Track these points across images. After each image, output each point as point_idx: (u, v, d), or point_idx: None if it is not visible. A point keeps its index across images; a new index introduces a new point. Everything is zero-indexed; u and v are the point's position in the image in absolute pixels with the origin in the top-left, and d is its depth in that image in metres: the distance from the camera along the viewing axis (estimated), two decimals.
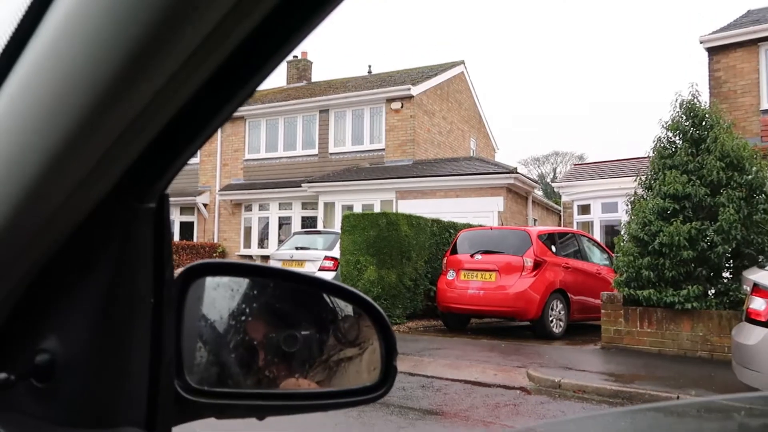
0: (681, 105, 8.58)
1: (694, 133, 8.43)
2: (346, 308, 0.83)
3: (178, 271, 0.70)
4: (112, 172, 0.52)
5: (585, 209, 15.47)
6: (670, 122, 8.60)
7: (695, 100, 8.57)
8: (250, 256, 18.33)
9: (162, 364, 0.62)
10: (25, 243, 0.53)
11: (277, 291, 0.83)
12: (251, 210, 18.86)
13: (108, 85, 0.43)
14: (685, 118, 8.53)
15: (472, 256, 9.37)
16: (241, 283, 0.80)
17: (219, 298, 0.79)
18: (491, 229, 10.55)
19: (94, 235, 0.57)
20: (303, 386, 0.77)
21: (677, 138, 8.56)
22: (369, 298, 0.81)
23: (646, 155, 9.10)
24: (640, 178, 8.79)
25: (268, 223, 18.51)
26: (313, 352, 0.78)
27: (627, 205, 9.09)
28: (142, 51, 0.42)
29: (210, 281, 0.76)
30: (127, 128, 0.47)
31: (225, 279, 0.79)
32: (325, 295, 0.82)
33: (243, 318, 0.79)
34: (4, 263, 0.54)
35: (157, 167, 0.57)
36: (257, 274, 0.81)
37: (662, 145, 8.65)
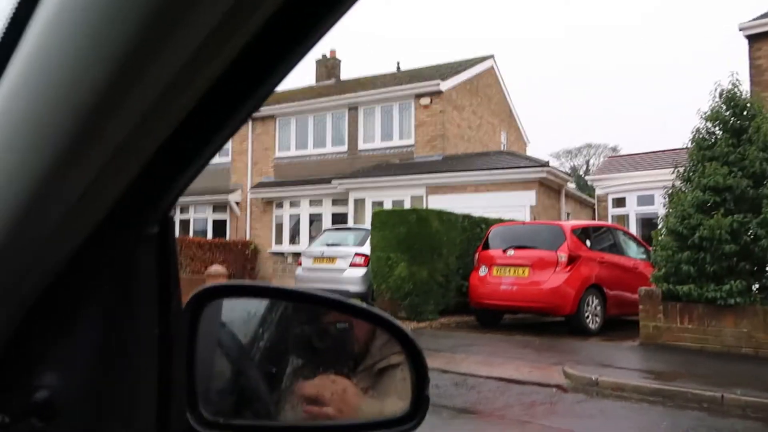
0: (721, 95, 8.31)
1: (735, 123, 8.16)
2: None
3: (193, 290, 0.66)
4: (107, 195, 0.48)
5: (620, 202, 15.14)
6: (709, 113, 8.33)
7: (736, 90, 8.28)
8: (282, 253, 18.49)
9: (172, 397, 0.58)
10: (17, 273, 0.49)
11: (297, 313, 0.77)
12: (282, 207, 19.01)
13: (97, 95, 0.39)
14: (725, 108, 8.26)
15: (504, 251, 9.26)
16: (257, 306, 0.76)
17: (234, 321, 0.74)
18: (524, 223, 10.40)
19: (93, 264, 0.53)
20: (328, 417, 0.72)
21: (717, 129, 8.30)
22: (398, 322, 0.75)
23: (684, 147, 8.84)
24: (679, 171, 8.55)
25: (299, 220, 18.62)
26: (345, 377, 0.73)
27: (664, 198, 8.85)
28: (134, 56, 0.38)
29: (224, 304, 0.72)
30: (121, 146, 0.43)
31: (240, 301, 0.75)
32: (349, 318, 0.76)
33: (260, 343, 0.75)
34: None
35: (158, 189, 0.53)
36: (273, 295, 0.77)
37: (701, 136, 8.39)
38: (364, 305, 0.75)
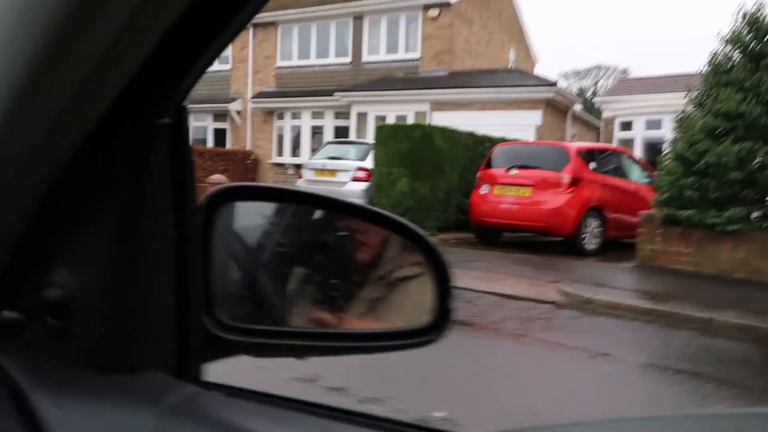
0: (744, 17, 7.96)
1: (755, 47, 7.86)
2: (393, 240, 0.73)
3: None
4: (116, 78, 0.44)
5: (627, 126, 14.93)
6: (729, 35, 8.01)
7: (759, 12, 7.92)
8: (283, 164, 18.43)
9: (189, 299, 0.55)
10: (24, 159, 0.45)
11: (316, 218, 0.73)
12: (284, 118, 18.74)
13: None
14: (746, 31, 7.93)
15: (507, 170, 9.20)
16: (275, 209, 0.72)
17: (250, 225, 0.70)
18: (528, 143, 10.28)
19: (104, 156, 0.49)
20: (348, 325, 0.70)
21: (736, 52, 8.01)
22: (422, 231, 0.70)
23: (698, 72, 8.58)
24: (691, 95, 8.35)
25: (300, 132, 18.42)
26: (356, 286, 0.70)
27: (674, 123, 8.70)
28: None
29: (240, 207, 0.68)
30: (127, 22, 0.39)
31: (256, 204, 0.71)
32: (369, 225, 0.72)
33: (278, 248, 0.72)
34: (2, 182, 0.46)
35: (171, 76, 0.49)
36: (292, 199, 0.72)
37: (718, 60, 8.12)
38: (387, 212, 0.71)
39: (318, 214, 0.75)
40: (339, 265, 0.73)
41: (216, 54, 0.49)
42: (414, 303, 0.73)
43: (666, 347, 4.62)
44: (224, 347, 0.62)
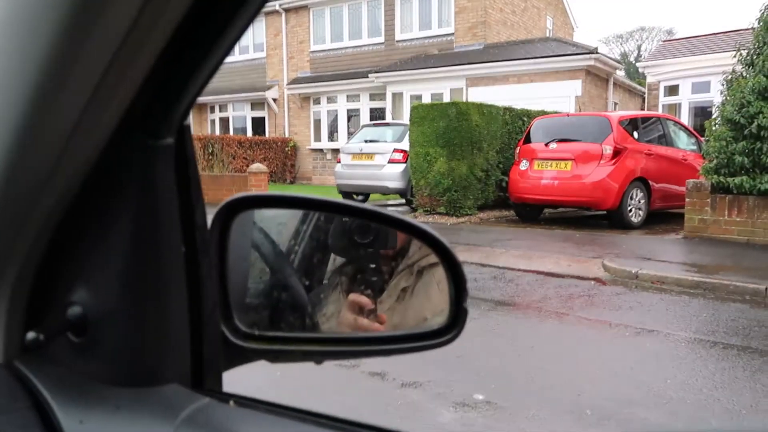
0: None
1: None
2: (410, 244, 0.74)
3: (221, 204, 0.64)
4: (115, 101, 0.44)
5: (672, 90, 14.34)
6: None
7: None
8: (321, 150, 18.54)
9: (203, 310, 0.57)
10: (35, 188, 0.47)
11: (330, 224, 0.75)
12: (320, 103, 18.80)
13: None
14: None
15: (546, 144, 9.00)
16: (290, 216, 0.73)
17: (266, 233, 0.72)
18: (567, 115, 10.00)
19: (109, 180, 0.51)
20: (363, 329, 0.71)
21: None
22: (434, 231, 0.71)
23: (749, 27, 8.13)
24: (741, 54, 7.93)
25: (336, 116, 18.46)
26: (372, 290, 0.71)
27: (722, 85, 8.29)
28: None
29: (256, 215, 0.69)
30: (121, 44, 0.39)
31: (271, 212, 0.72)
32: (384, 228, 0.73)
33: (293, 256, 0.73)
34: (18, 213, 0.48)
35: (170, 95, 0.49)
36: (305, 206, 0.74)
37: None
38: (398, 215, 0.72)
39: (332, 219, 0.76)
40: (360, 265, 0.74)
41: (213, 70, 0.50)
42: (432, 303, 0.74)
43: (715, 321, 4.47)
44: (242, 354, 0.65)
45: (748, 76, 7.65)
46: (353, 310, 0.71)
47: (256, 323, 0.67)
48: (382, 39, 18.16)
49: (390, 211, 0.74)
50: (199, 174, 0.58)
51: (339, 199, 0.73)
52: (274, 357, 0.68)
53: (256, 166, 11.81)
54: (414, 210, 10.40)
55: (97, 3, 0.37)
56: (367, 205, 0.71)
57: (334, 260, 0.77)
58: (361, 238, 0.73)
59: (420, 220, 9.68)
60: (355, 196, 11.97)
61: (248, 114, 20.32)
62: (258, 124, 20.27)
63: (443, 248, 0.71)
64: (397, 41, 17.91)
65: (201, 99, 20.98)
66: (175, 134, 0.54)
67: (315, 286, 0.74)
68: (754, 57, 7.69)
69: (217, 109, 21.07)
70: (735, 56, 8.06)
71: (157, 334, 0.55)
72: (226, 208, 0.66)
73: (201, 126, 21.16)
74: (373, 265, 0.74)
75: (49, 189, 0.48)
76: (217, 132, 19.97)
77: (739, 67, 7.98)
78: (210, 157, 15.82)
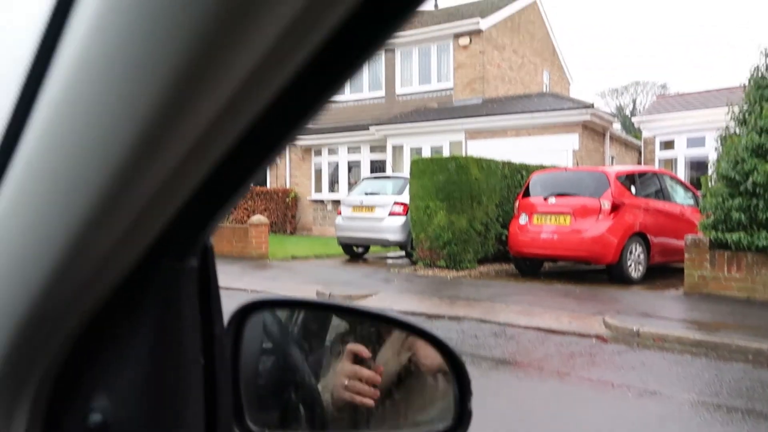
0: None
1: None
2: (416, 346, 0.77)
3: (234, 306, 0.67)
4: (148, 230, 0.47)
5: (668, 145, 14.58)
6: None
7: None
8: (322, 201, 18.68)
9: (219, 416, 0.59)
10: (65, 302, 0.50)
11: (345, 324, 0.78)
12: (321, 154, 19.07)
13: (142, 133, 0.38)
14: None
15: (545, 199, 9.10)
16: (301, 318, 0.77)
17: (277, 334, 0.75)
18: (565, 170, 10.15)
19: (133, 298, 0.54)
20: (361, 377, 0.73)
21: None
22: (439, 335, 0.74)
23: (740, 86, 8.36)
24: (733, 112, 8.12)
25: (337, 167, 18.69)
26: (379, 391, 0.74)
27: (717, 142, 8.46)
28: (184, 90, 0.36)
29: (268, 317, 0.73)
30: (164, 183, 0.42)
31: (283, 314, 0.76)
32: (391, 330, 0.76)
33: (304, 356, 0.76)
34: (45, 328, 0.51)
35: (198, 220, 0.52)
36: (316, 308, 0.77)
37: (760, 74, 7.90)
38: (404, 318, 0.75)
39: (341, 321, 0.79)
40: (361, 333, 0.77)
41: (248, 188, 0.52)
42: (437, 404, 0.75)
43: (718, 382, 4.42)
44: None
45: (741, 133, 7.81)
46: (351, 359, 0.72)
47: (267, 423, 0.68)
48: (382, 93, 18.59)
49: (397, 314, 0.76)
50: (219, 290, 0.61)
51: (346, 303, 0.76)
52: None
53: (257, 218, 11.88)
54: (414, 263, 10.40)
55: (146, 150, 0.39)
56: (373, 309, 0.74)
57: (334, 334, 0.79)
58: (364, 322, 0.76)
59: (420, 273, 9.55)
60: (355, 248, 11.99)
61: None
62: (260, 175, 20.49)
63: (447, 350, 0.74)
64: (398, 95, 18.33)
65: None
66: (200, 255, 0.56)
67: (321, 367, 0.76)
68: (747, 115, 7.88)
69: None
70: (728, 114, 8.25)
71: None
72: (240, 312, 0.69)
73: None
74: (372, 329, 0.76)
75: (73, 311, 0.51)
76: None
77: (732, 125, 8.16)
78: None
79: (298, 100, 0.43)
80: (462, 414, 0.72)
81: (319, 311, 0.80)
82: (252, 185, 0.55)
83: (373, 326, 0.77)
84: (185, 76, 0.35)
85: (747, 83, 8.08)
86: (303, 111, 0.45)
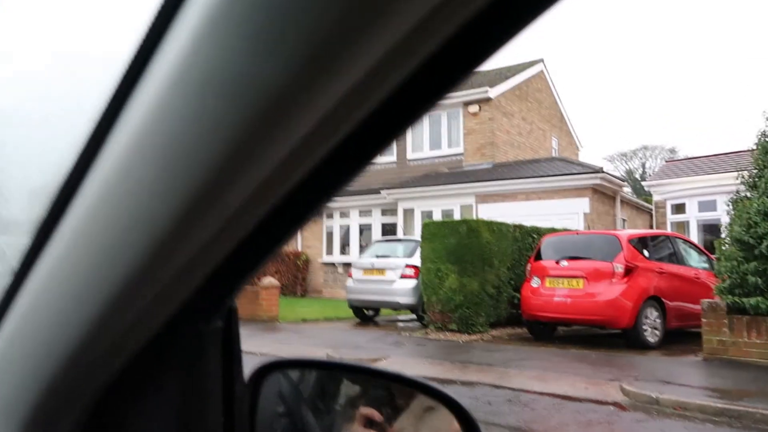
0: None
1: None
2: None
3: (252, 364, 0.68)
4: (178, 295, 0.49)
5: (679, 208, 14.57)
6: None
7: None
8: (333, 264, 18.67)
9: None
10: (99, 359, 0.51)
11: (357, 387, 0.78)
12: (332, 218, 19.21)
13: (187, 205, 0.39)
14: None
15: (557, 262, 9.04)
16: (318, 379, 0.77)
17: (291, 398, 0.76)
18: (577, 233, 10.14)
19: (161, 358, 0.55)
20: None
21: None
22: (454, 396, 0.74)
23: (748, 149, 8.44)
24: (743, 176, 8.16)
25: (348, 230, 18.78)
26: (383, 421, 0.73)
27: (728, 205, 8.46)
28: (235, 167, 0.37)
29: (282, 380, 0.73)
30: (200, 250, 0.44)
31: (301, 374, 0.76)
32: (407, 391, 0.76)
33: (321, 416, 0.76)
34: (73, 388, 0.52)
35: (226, 284, 0.53)
36: (332, 368, 0.78)
37: (766, 139, 7.99)
38: (419, 379, 0.74)
39: (353, 384, 0.79)
40: (374, 395, 0.76)
41: (270, 259, 0.53)
42: None
43: None
44: None
45: (752, 197, 7.82)
46: (363, 423, 0.71)
47: None
48: (394, 158, 18.91)
49: (413, 376, 0.76)
50: (241, 351, 0.62)
51: (362, 363, 0.75)
52: None
53: (268, 281, 11.87)
54: (425, 326, 10.26)
55: (188, 220, 0.40)
56: (390, 370, 0.74)
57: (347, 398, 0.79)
58: (378, 382, 0.76)
59: (432, 337, 9.40)
60: (366, 311, 11.88)
61: None
62: (290, 241, 20.58)
63: (463, 413, 0.72)
64: (409, 160, 18.63)
65: None
66: (225, 317, 0.58)
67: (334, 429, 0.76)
68: (757, 180, 7.91)
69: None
70: (738, 178, 8.29)
71: None
72: (258, 373, 0.69)
73: None
74: (384, 392, 0.76)
75: (102, 371, 0.52)
76: None
77: (742, 189, 8.18)
78: None
79: (333, 168, 0.44)
80: None
81: (335, 371, 0.80)
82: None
83: (386, 388, 0.77)
84: (250, 132, 0.36)
85: (755, 147, 8.16)
86: (336, 179, 0.45)
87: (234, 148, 0.36)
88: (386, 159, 19.02)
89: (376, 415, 0.72)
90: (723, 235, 8.33)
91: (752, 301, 7.13)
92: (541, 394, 5.93)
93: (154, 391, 0.57)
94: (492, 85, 17.80)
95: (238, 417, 0.61)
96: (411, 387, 0.75)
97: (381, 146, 0.44)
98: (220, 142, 0.36)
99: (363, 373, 0.79)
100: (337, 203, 18.75)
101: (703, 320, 7.59)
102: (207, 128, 0.36)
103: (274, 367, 0.72)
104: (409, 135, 18.71)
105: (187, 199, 0.39)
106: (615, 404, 5.56)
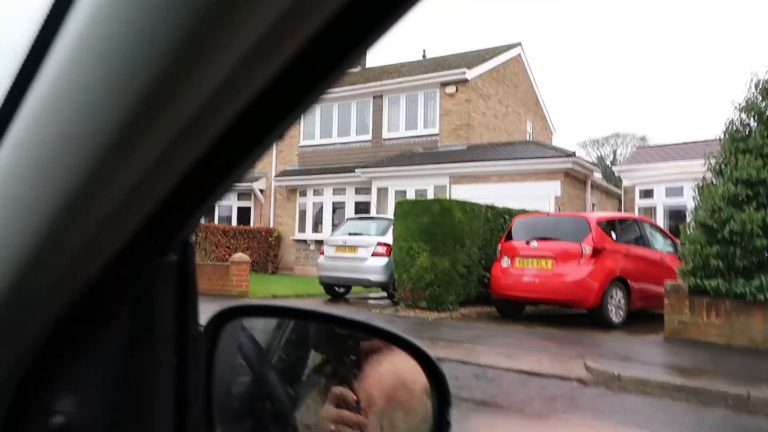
0: (757, 85, 8.08)
1: None
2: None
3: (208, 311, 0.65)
4: (126, 226, 0.46)
5: (648, 194, 14.87)
6: (744, 104, 8.10)
7: None
8: (305, 241, 18.61)
9: (189, 421, 0.57)
10: (37, 297, 0.48)
11: (318, 334, 0.76)
12: (306, 195, 19.11)
13: (123, 127, 0.37)
14: (761, 98, 8.01)
15: (527, 242, 9.16)
16: (278, 326, 0.75)
17: (253, 342, 0.73)
18: (548, 215, 10.27)
19: (109, 293, 0.51)
20: (347, 421, 0.70)
21: (752, 120, 8.06)
22: (419, 343, 0.71)
23: (716, 138, 8.62)
24: (710, 163, 8.35)
25: (322, 208, 18.71)
26: (357, 401, 0.71)
27: (694, 191, 8.65)
28: (165, 85, 0.36)
29: (244, 324, 0.71)
30: (143, 179, 0.41)
31: (260, 321, 0.74)
32: (368, 337, 0.73)
33: (281, 364, 0.74)
34: (16, 323, 0.49)
35: (181, 216, 0.50)
36: (293, 315, 0.75)
37: (735, 127, 8.17)
38: (383, 326, 0.72)
39: (320, 329, 0.77)
40: (342, 377, 0.74)
41: (229, 187, 0.50)
42: (415, 415, 0.73)
43: (699, 427, 4.39)
44: None
45: (718, 183, 8.01)
46: (335, 404, 0.70)
47: None
48: (369, 136, 18.82)
49: (371, 321, 0.74)
50: (197, 288, 0.58)
51: (324, 309, 0.72)
52: None
53: (239, 256, 11.78)
54: (396, 304, 10.32)
55: (125, 145, 0.39)
56: (352, 316, 0.72)
57: (314, 359, 0.77)
58: (342, 329, 0.74)
59: (402, 314, 9.47)
60: (337, 288, 11.89)
61: (234, 204, 20.53)
62: (243, 214, 20.43)
63: (428, 360, 0.71)
64: (384, 139, 18.57)
65: None
66: (180, 251, 0.55)
67: (298, 395, 0.74)
68: (723, 166, 8.09)
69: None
70: (705, 165, 8.47)
71: None
72: (217, 318, 0.66)
73: None
74: (353, 357, 0.74)
75: (45, 308, 0.48)
76: (202, 221, 20.00)
77: (709, 175, 8.36)
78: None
79: (282, 98, 0.42)
80: (441, 425, 0.70)
81: (300, 319, 0.78)
82: (228, 191, 0.52)
83: (351, 337, 0.75)
84: (166, 70, 0.35)
85: (723, 136, 8.34)
86: (286, 110, 0.44)
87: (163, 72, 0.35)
88: (361, 137, 18.94)
89: (349, 395, 0.70)
90: (688, 220, 8.53)
91: (713, 283, 7.34)
92: (508, 370, 6.03)
93: (102, 331, 0.53)
94: (470, 66, 17.78)
95: (193, 360, 0.58)
96: (377, 336, 0.73)
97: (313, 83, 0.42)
98: (154, 61, 0.35)
99: (329, 321, 0.77)
100: (311, 181, 18.65)
101: (666, 301, 7.80)
102: (142, 44, 0.35)
103: (234, 314, 0.69)
104: (386, 114, 18.63)
105: (123, 122, 0.38)
106: (578, 380, 5.69)
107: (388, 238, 10.77)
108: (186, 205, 0.50)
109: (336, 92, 19.22)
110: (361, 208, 17.24)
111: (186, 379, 0.57)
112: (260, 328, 0.77)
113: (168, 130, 0.39)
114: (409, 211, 10.09)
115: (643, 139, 40.56)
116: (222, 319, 0.66)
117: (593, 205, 15.82)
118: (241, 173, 0.49)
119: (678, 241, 8.80)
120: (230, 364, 0.69)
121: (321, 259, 11.67)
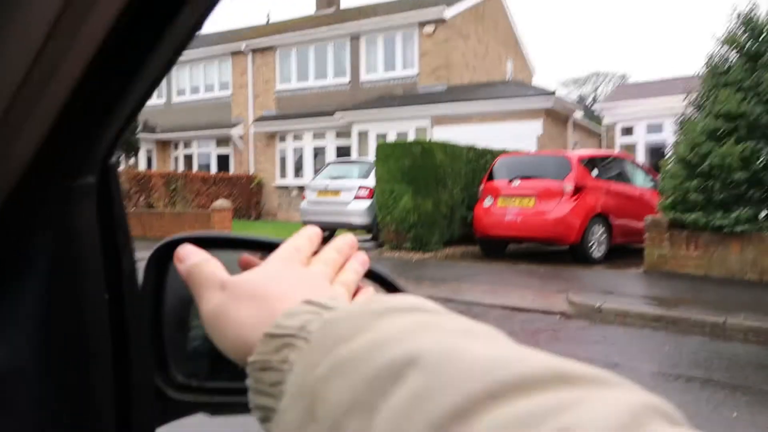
0: (738, 17, 7.98)
1: (751, 47, 7.86)
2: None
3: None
4: (21, 142, 0.40)
5: (628, 131, 14.92)
6: (725, 36, 8.02)
7: (753, 12, 7.93)
8: (287, 187, 18.48)
9: (132, 363, 0.52)
10: None
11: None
12: (285, 141, 18.84)
13: None
14: (742, 31, 7.94)
15: (509, 182, 9.18)
16: (232, 258, 0.69)
17: None
18: (529, 154, 10.26)
19: (19, 225, 0.45)
20: None
21: (733, 53, 8.01)
22: (378, 267, 0.67)
23: (696, 74, 8.58)
24: (691, 98, 8.33)
25: (302, 154, 18.51)
26: None
27: (675, 126, 8.67)
28: None
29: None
30: (26, 75, 0.35)
31: (218, 253, 0.68)
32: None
33: None
34: None
35: (89, 133, 0.44)
36: (247, 246, 0.69)
37: (715, 61, 8.12)
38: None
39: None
40: None
41: (140, 103, 0.44)
42: None
43: (677, 354, 4.54)
44: (179, 408, 0.59)
45: (698, 118, 8.02)
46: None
47: (195, 373, 0.61)
48: (347, 79, 18.44)
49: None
50: (126, 215, 0.53)
51: (281, 238, 0.66)
52: (215, 409, 0.62)
53: (220, 203, 11.66)
54: (380, 246, 10.38)
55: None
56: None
57: None
58: None
59: (387, 255, 9.53)
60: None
61: (213, 151, 20.19)
62: (223, 162, 20.14)
63: (379, 278, 0.66)
64: (363, 82, 18.21)
65: (165, 136, 20.77)
66: (98, 172, 0.48)
67: None
68: (703, 101, 8.09)
69: (181, 145, 20.87)
70: (685, 100, 8.45)
71: (77, 393, 0.48)
72: (164, 249, 0.61)
73: (165, 163, 20.89)
74: None
75: None
76: (180, 169, 19.71)
77: (689, 110, 8.37)
78: (172, 193, 15.58)
79: None
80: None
81: (256, 250, 0.71)
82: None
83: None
84: None
85: (703, 70, 8.29)
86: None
87: None
88: (339, 80, 18.54)
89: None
90: (668, 156, 8.59)
91: (692, 217, 7.46)
92: (492, 306, 6.15)
93: (16, 267, 0.46)
94: (448, 4, 17.31)
95: (128, 297, 0.52)
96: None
97: None
98: None
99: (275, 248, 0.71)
100: (290, 126, 18.34)
101: (646, 235, 7.94)
102: None
103: (178, 245, 0.63)
104: (363, 56, 18.19)
105: None
106: (561, 314, 5.83)
107: (370, 181, 10.72)
108: (95, 119, 0.43)
109: (311, 34, 18.68)
110: (342, 153, 17.08)
111: (122, 316, 0.52)
112: (222, 260, 0.72)
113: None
114: (391, 153, 10.01)
115: (623, 77, 40.42)
116: (168, 250, 0.60)
117: (575, 143, 15.85)
118: (157, 83, 0.43)
119: (658, 178, 8.89)
120: (184, 301, 0.64)
121: (304, 204, 11.61)
